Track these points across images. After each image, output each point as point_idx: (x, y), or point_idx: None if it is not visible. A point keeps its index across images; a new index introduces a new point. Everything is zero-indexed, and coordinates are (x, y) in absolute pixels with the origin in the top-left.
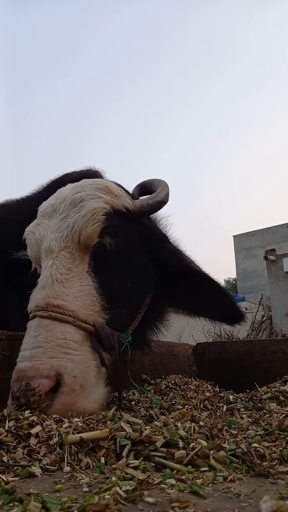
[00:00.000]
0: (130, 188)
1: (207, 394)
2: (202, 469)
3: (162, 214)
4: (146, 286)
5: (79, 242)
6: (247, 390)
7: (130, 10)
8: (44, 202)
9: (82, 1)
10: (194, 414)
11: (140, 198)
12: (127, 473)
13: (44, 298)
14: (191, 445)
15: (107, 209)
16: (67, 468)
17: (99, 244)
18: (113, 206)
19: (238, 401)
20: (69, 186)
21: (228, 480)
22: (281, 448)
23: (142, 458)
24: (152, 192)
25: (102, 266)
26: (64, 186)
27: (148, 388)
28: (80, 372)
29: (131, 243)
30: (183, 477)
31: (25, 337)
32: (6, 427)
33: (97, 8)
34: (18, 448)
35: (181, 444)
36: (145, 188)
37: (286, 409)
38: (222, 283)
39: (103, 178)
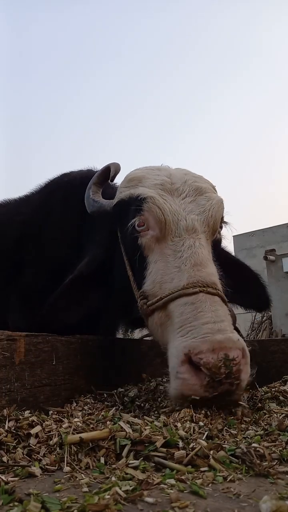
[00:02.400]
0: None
1: None
2: (202, 469)
3: None
4: None
5: (212, 227)
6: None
7: (131, 10)
8: (146, 173)
9: (84, 4)
10: (194, 414)
11: None
12: (127, 473)
13: (208, 275)
14: (191, 445)
15: (224, 203)
16: (67, 468)
17: (218, 234)
18: None
19: None
20: (176, 170)
21: (228, 480)
22: (280, 448)
23: (142, 458)
24: None
25: (216, 254)
26: (61, 186)
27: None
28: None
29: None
30: (183, 477)
31: (198, 311)
32: (6, 427)
33: (100, 11)
34: (18, 448)
35: (181, 444)
36: None
37: (286, 409)
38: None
39: None
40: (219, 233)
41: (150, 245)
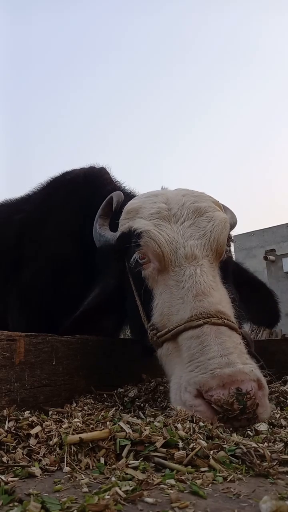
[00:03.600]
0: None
1: None
2: (202, 469)
3: None
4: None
5: (216, 250)
6: None
7: (131, 8)
8: (143, 202)
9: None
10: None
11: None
12: (126, 474)
13: (212, 304)
14: (190, 446)
15: (229, 221)
16: (66, 469)
17: (226, 255)
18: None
19: None
20: (174, 192)
21: (228, 480)
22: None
23: (141, 459)
24: None
25: (226, 276)
26: (63, 184)
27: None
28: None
29: (232, 256)
30: (182, 477)
31: (204, 345)
32: (6, 428)
33: (98, 12)
34: (18, 449)
35: (180, 444)
36: None
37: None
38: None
39: (109, 175)
40: (228, 251)
41: (154, 277)
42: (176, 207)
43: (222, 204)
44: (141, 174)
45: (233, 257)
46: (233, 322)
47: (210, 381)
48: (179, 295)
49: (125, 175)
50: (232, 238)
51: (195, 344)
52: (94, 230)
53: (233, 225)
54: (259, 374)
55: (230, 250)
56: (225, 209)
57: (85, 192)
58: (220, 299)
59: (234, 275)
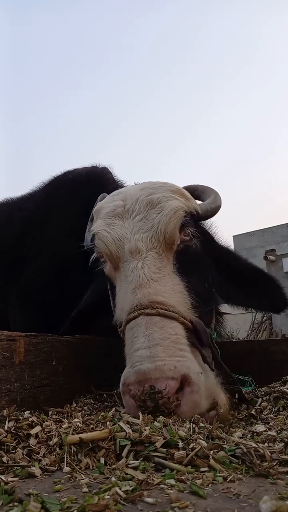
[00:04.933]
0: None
1: None
2: (202, 469)
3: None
4: (215, 284)
5: (165, 241)
6: None
7: (132, 7)
8: (104, 202)
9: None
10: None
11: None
12: (126, 474)
13: (146, 296)
14: (190, 446)
15: (185, 209)
16: (66, 469)
17: (182, 244)
18: (188, 208)
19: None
20: (136, 187)
21: (228, 480)
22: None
23: (141, 459)
24: (196, 197)
25: (184, 266)
26: (66, 183)
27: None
28: (199, 369)
29: (201, 244)
30: (182, 477)
31: (133, 337)
32: (6, 428)
33: (98, 13)
34: (18, 449)
35: (180, 444)
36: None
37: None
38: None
39: (111, 175)
40: (188, 240)
41: (112, 274)
42: (131, 202)
43: (208, 188)
44: (141, 174)
45: (221, 245)
46: (172, 312)
47: (130, 376)
48: (125, 289)
49: (125, 175)
50: (190, 224)
51: (129, 336)
52: (86, 233)
53: (211, 210)
54: (185, 369)
55: (192, 238)
56: (208, 193)
57: (87, 192)
58: (160, 289)
59: (227, 264)
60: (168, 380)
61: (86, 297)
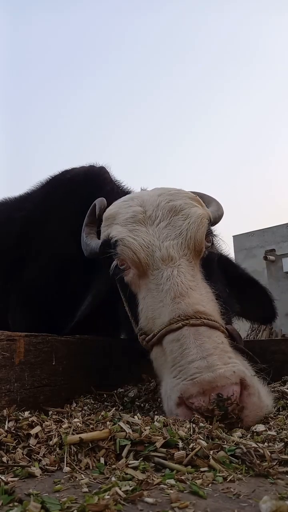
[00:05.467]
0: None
1: None
2: (202, 469)
3: None
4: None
5: (194, 248)
6: None
7: (132, 12)
8: (119, 208)
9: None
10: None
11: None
12: (126, 474)
13: (189, 306)
14: (190, 446)
15: (207, 216)
16: (66, 469)
17: (206, 251)
18: (208, 215)
19: None
20: (151, 193)
21: (227, 480)
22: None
23: (141, 459)
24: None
25: (209, 273)
26: (63, 183)
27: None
28: (253, 372)
29: (216, 252)
30: (182, 477)
31: (183, 348)
32: (6, 428)
33: (98, 14)
34: (18, 449)
35: (180, 444)
36: None
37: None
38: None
39: (109, 175)
40: (210, 247)
41: (136, 282)
42: (151, 208)
43: (207, 196)
44: (141, 174)
45: (221, 251)
46: (214, 321)
47: (190, 388)
48: (159, 298)
49: (125, 174)
50: (214, 232)
51: (176, 348)
52: (82, 239)
53: (218, 217)
54: (242, 373)
55: (212, 245)
56: (209, 201)
57: (85, 192)
58: (200, 298)
59: (225, 271)
60: (233, 385)
61: (86, 306)
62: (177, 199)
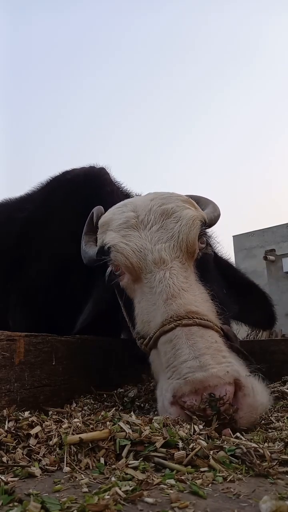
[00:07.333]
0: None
1: None
2: (202, 469)
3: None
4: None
5: (186, 250)
6: None
7: (132, 12)
8: (112, 214)
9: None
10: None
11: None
12: (126, 474)
13: (181, 306)
14: (190, 446)
15: (200, 218)
16: (66, 469)
17: (200, 252)
18: (201, 216)
19: None
20: (143, 198)
21: (227, 480)
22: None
23: (141, 459)
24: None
25: (204, 274)
26: (64, 184)
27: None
28: (247, 372)
29: (212, 253)
30: (182, 477)
31: (176, 349)
32: (6, 428)
33: (98, 14)
34: (18, 449)
35: (180, 444)
36: None
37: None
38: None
39: (109, 176)
40: (205, 248)
41: (131, 286)
42: (144, 213)
43: (204, 198)
44: (141, 173)
45: (221, 255)
46: (207, 320)
47: (183, 387)
48: (152, 301)
49: (125, 175)
50: (208, 233)
51: (169, 349)
52: (81, 248)
53: (215, 219)
54: (236, 373)
55: (207, 246)
56: (206, 203)
57: (85, 192)
58: (192, 299)
59: (225, 274)
60: (226, 385)
61: (87, 316)
62: (169, 202)
